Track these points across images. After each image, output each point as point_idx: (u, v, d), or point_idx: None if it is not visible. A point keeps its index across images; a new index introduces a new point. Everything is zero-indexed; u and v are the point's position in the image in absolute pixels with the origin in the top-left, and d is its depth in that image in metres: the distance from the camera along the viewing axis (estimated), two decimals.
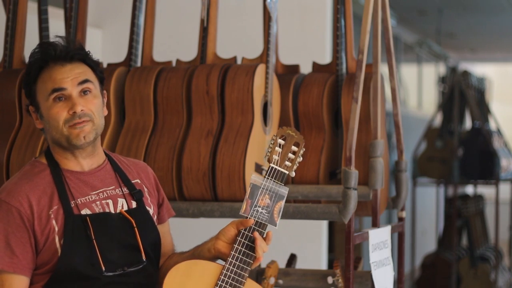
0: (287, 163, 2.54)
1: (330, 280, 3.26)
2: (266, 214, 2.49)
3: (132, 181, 2.61)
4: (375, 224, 3.22)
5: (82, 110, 2.47)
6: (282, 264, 3.47)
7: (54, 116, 2.47)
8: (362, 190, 3.18)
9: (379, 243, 3.16)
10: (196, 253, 2.56)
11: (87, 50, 2.56)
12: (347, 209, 2.97)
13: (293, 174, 2.57)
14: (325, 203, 3.22)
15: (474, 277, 8.70)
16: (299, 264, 3.66)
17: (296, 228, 5.14)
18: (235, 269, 2.44)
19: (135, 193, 2.58)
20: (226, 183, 3.13)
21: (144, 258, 2.53)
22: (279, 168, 2.52)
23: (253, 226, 2.48)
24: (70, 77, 2.48)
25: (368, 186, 3.19)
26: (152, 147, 3.23)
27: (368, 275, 3.13)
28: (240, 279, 2.44)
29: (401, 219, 3.48)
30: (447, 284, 8.84)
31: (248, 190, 2.51)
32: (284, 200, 2.51)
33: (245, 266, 2.45)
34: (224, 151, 3.14)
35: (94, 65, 2.55)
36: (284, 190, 2.51)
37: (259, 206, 2.49)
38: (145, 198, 2.61)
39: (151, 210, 2.62)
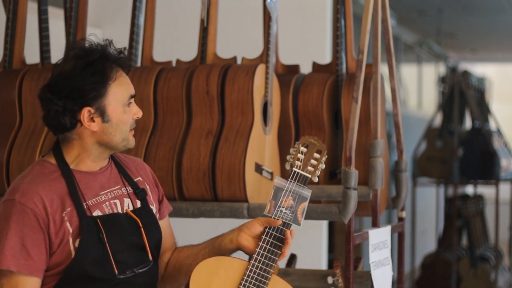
0: (310, 168, 2.60)
1: (330, 280, 3.26)
2: (290, 214, 2.55)
3: (135, 180, 2.62)
4: (375, 224, 3.22)
5: None
6: (282, 264, 3.47)
7: (125, 121, 2.51)
8: (362, 190, 3.18)
9: (379, 243, 3.16)
10: (216, 244, 2.59)
11: None
12: (347, 209, 2.97)
13: (315, 179, 2.63)
14: (325, 203, 3.22)
15: (474, 277, 8.70)
16: (299, 264, 3.66)
17: (296, 228, 5.14)
18: (260, 265, 2.49)
19: (139, 192, 2.59)
20: (226, 183, 3.13)
21: (150, 258, 2.54)
22: (302, 172, 2.59)
23: (278, 225, 2.53)
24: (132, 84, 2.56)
25: (368, 186, 3.19)
26: (152, 147, 3.23)
27: (368, 275, 3.13)
28: (266, 274, 2.49)
29: (401, 219, 3.48)
30: (447, 284, 8.84)
31: (272, 192, 2.56)
32: (307, 202, 2.57)
33: (270, 263, 2.50)
34: (224, 151, 3.14)
35: None
36: (307, 192, 2.57)
37: (283, 207, 2.55)
38: (148, 196, 2.62)
39: (154, 208, 2.63)
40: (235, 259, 2.53)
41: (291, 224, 2.55)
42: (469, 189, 11.12)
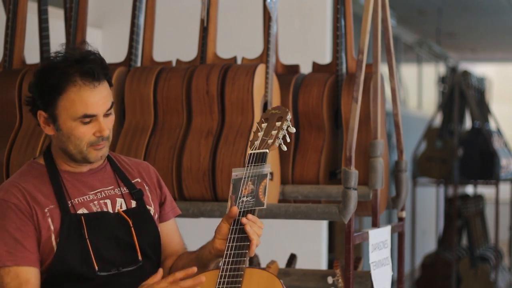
0: (269, 141, 2.45)
1: (330, 280, 3.26)
2: (252, 200, 2.42)
3: (132, 181, 2.61)
4: (375, 224, 3.22)
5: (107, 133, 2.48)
6: (282, 264, 3.47)
7: (78, 136, 2.45)
8: (362, 190, 3.18)
9: (379, 243, 3.16)
10: (199, 257, 2.54)
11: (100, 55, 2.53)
12: (347, 209, 2.97)
13: (284, 147, 2.50)
14: (325, 203, 3.21)
15: (474, 277, 8.70)
16: (299, 264, 3.66)
17: (296, 228, 5.14)
18: (230, 266, 2.38)
19: (135, 193, 2.58)
20: (226, 183, 3.13)
21: (140, 258, 2.52)
22: (257, 151, 2.46)
23: (239, 218, 2.41)
24: (100, 101, 2.45)
25: (368, 186, 3.19)
26: (152, 147, 3.23)
27: (368, 275, 3.13)
28: (237, 272, 2.36)
29: (401, 219, 3.48)
30: (447, 284, 8.84)
31: (230, 187, 2.45)
32: (267, 178, 2.43)
33: (239, 259, 2.38)
34: (224, 151, 3.14)
35: (110, 77, 2.52)
36: (266, 168, 2.43)
37: (243, 196, 2.43)
38: (145, 197, 2.61)
39: (152, 209, 2.62)
40: (208, 272, 2.42)
41: (255, 210, 2.42)
42: (469, 189, 11.12)
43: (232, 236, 2.41)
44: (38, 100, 2.48)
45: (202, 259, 2.53)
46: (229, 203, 2.45)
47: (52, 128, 2.49)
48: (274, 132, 2.48)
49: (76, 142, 2.46)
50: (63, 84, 2.43)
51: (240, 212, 2.43)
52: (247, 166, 2.45)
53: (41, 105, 2.48)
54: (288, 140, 2.52)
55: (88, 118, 2.44)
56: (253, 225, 2.40)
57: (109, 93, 2.49)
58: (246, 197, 2.43)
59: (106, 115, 2.49)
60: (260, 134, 2.49)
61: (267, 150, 2.46)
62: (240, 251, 2.39)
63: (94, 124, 2.46)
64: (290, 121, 2.53)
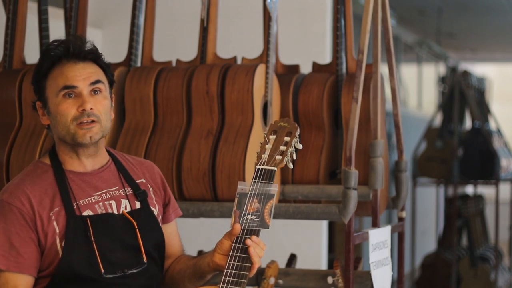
0: (278, 157, 2.40)
1: (330, 280, 3.26)
2: (256, 220, 2.37)
3: (137, 181, 2.60)
4: (375, 224, 3.22)
5: (91, 109, 2.46)
6: (282, 264, 3.47)
7: (62, 112, 2.46)
8: (362, 190, 3.18)
9: (379, 243, 3.16)
10: (197, 266, 2.52)
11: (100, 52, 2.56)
12: (347, 209, 2.97)
13: (290, 165, 2.44)
14: (325, 203, 3.21)
15: (474, 277, 8.70)
16: (299, 264, 3.66)
17: (296, 228, 5.14)
18: (229, 285, 2.34)
19: (139, 194, 2.57)
20: (226, 183, 3.13)
21: (145, 260, 2.51)
22: (265, 167, 2.39)
23: (243, 236, 2.37)
24: (83, 75, 2.48)
25: (368, 186, 3.19)
26: (152, 147, 3.23)
27: (368, 275, 3.13)
28: None
29: (401, 219, 3.48)
30: (447, 284, 8.84)
31: (235, 200, 2.39)
32: (274, 198, 2.37)
33: (239, 280, 2.34)
34: (224, 151, 3.14)
35: (106, 67, 2.55)
36: (273, 188, 2.37)
37: (248, 214, 2.36)
38: (149, 198, 2.60)
39: (156, 211, 2.61)
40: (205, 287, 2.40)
41: (259, 230, 2.36)
42: (469, 189, 11.12)
43: (234, 254, 2.37)
44: (35, 92, 2.53)
45: (199, 270, 2.51)
46: (232, 218, 2.39)
47: (46, 115, 2.52)
48: (282, 148, 2.41)
49: (62, 120, 2.46)
50: (50, 66, 2.50)
51: (243, 230, 2.39)
52: (254, 182, 2.39)
53: (36, 95, 2.53)
54: (295, 157, 2.45)
55: (69, 90, 2.46)
56: (256, 247, 2.38)
57: (96, 72, 2.51)
58: (251, 215, 2.37)
59: (93, 92, 2.49)
60: (268, 147, 2.42)
61: (275, 168, 2.40)
62: (241, 272, 2.35)
63: (78, 100, 2.47)
64: (299, 136, 2.48)
